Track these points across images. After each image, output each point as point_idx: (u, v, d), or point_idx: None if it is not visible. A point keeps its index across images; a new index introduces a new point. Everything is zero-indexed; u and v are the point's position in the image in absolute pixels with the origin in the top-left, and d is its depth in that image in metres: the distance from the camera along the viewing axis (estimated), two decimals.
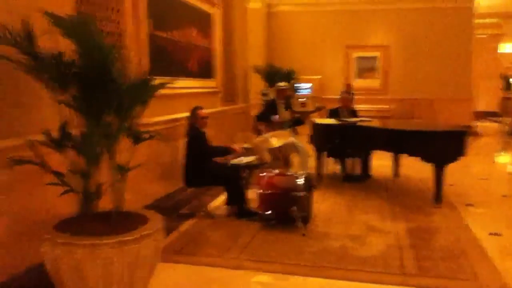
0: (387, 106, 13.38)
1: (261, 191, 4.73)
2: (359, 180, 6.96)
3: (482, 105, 17.18)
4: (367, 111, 13.13)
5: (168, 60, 5.35)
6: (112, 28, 4.20)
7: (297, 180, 4.71)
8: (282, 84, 6.82)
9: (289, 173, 4.97)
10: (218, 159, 5.23)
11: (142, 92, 2.91)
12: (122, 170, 2.84)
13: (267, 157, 6.87)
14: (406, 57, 13.35)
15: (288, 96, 6.93)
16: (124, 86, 2.86)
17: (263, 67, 8.53)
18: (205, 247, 4.26)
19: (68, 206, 2.93)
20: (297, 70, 12.48)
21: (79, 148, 2.74)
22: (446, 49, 13.09)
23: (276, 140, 5.24)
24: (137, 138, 3.05)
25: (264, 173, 4.91)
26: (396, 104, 13.31)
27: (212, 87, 6.93)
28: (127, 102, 2.82)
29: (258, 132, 6.56)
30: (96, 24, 2.92)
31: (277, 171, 5.06)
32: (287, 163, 6.87)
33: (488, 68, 18.70)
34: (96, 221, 2.81)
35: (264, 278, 3.65)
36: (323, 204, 5.73)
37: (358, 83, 13.64)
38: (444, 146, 5.38)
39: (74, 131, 2.89)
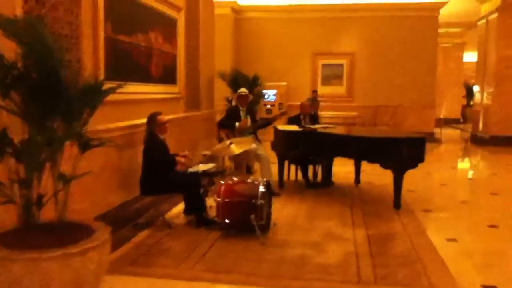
0: (353, 113, 13.54)
1: (220, 199, 4.65)
2: (321, 187, 6.96)
3: (445, 112, 17.59)
4: (333, 118, 13.31)
5: (129, 64, 5.21)
6: (68, 30, 4.05)
7: (256, 188, 4.64)
8: (243, 90, 6.76)
9: (248, 181, 4.90)
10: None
11: (92, 97, 2.79)
12: (64, 179, 2.70)
13: (228, 164, 6.83)
14: (372, 64, 13.56)
15: (251, 102, 6.87)
16: (72, 91, 2.73)
17: (228, 73, 8.45)
18: (160, 258, 4.14)
19: (8, 217, 2.78)
20: (264, 77, 12.50)
21: (19, 155, 2.60)
22: (411, 57, 13.37)
23: (236, 147, 5.16)
24: (85, 146, 2.92)
25: (223, 181, 4.83)
26: (361, 111, 13.48)
27: (175, 93, 6.81)
28: (75, 108, 2.69)
29: (220, 139, 6.48)
30: (44, 25, 2.76)
31: (236, 179, 4.99)
32: (249, 171, 6.82)
33: (452, 76, 19.22)
34: (37, 234, 2.66)
35: None
36: (284, 211, 5.69)
37: (324, 89, 13.77)
38: (402, 153, 5.43)
39: (17, 138, 2.75)
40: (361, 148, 5.74)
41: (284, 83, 13.69)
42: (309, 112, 7.38)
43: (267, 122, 6.83)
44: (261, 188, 4.65)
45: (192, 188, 4.98)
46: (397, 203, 5.63)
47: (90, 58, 4.38)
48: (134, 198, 5.32)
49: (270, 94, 13.61)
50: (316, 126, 7.03)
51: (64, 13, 3.89)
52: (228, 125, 6.49)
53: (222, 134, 6.50)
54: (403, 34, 13.32)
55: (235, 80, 8.47)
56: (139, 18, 5.45)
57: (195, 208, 5.05)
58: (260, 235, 4.52)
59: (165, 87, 6.39)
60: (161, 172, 4.94)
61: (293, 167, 7.36)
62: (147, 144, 4.97)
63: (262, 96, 8.90)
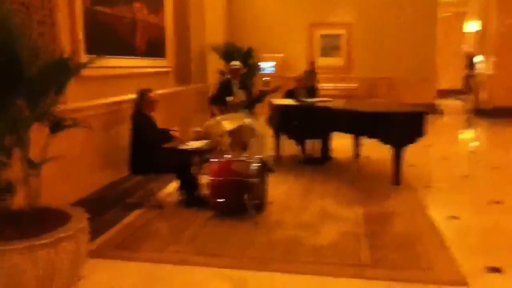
0: (352, 85, 13.22)
1: (211, 178, 4.44)
2: (319, 163, 6.75)
3: (446, 84, 17.25)
4: (332, 90, 13.00)
5: (111, 38, 4.92)
6: (39, 2, 3.75)
7: (250, 166, 4.43)
8: (235, 63, 6.48)
9: (241, 158, 4.68)
10: (167, 144, 4.88)
11: (57, 75, 2.53)
12: (32, 164, 2.48)
13: (224, 141, 6.59)
14: (370, 35, 13.15)
15: (245, 75, 6.59)
16: (34, 69, 2.47)
17: (221, 45, 8.14)
18: (148, 241, 3.96)
19: None
20: (259, 49, 12.14)
21: None
22: (410, 27, 12.95)
23: (228, 123, 4.93)
24: (55, 127, 2.68)
25: (215, 159, 4.61)
26: (361, 83, 13.17)
27: (163, 67, 6.52)
28: (38, 87, 2.44)
29: (212, 115, 6.24)
30: None
31: (229, 156, 4.77)
32: (244, 147, 6.59)
33: (452, 46, 18.78)
34: (7, 223, 2.45)
35: (207, 273, 3.37)
36: (279, 189, 5.49)
37: (322, 61, 13.39)
38: (401, 128, 5.20)
39: None
40: (358, 123, 5.51)
41: (281, 55, 13.32)
42: (305, 85, 7.10)
43: (259, 97, 6.57)
44: (255, 166, 4.44)
45: (182, 167, 4.77)
46: (396, 179, 5.43)
47: (67, 32, 4.10)
48: (123, 178, 5.12)
49: (267, 66, 13.28)
50: (312, 99, 6.78)
51: None
52: (220, 100, 6.23)
53: (214, 110, 6.26)
54: (402, 3, 12.87)
55: (229, 52, 8.15)
56: None
57: (186, 187, 4.85)
58: (253, 215, 4.33)
59: (152, 60, 6.10)
60: (149, 150, 4.71)
61: (290, 142, 7.13)
62: (135, 122, 4.73)
63: (257, 68, 8.59)
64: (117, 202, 4.82)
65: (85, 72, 4.31)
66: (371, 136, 5.52)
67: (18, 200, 2.62)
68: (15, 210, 2.54)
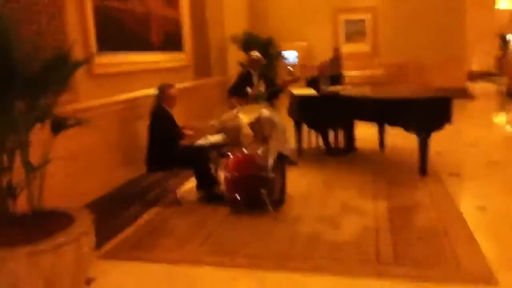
0: (378, 71, 12.87)
1: (228, 173, 4.33)
2: (342, 154, 6.56)
3: (477, 66, 16.61)
4: (357, 77, 12.70)
5: (124, 33, 4.86)
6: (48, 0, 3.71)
7: (267, 160, 4.30)
8: (254, 53, 6.31)
9: (258, 153, 4.55)
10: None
11: (58, 72, 2.45)
12: (30, 167, 2.41)
13: (245, 134, 6.47)
14: (396, 18, 12.74)
15: (265, 66, 6.43)
16: (34, 67, 2.40)
17: (240, 36, 8.00)
18: (164, 239, 3.89)
19: None
20: (282, 38, 11.95)
21: None
22: (437, 9, 12.47)
23: (245, 116, 4.79)
24: (58, 127, 2.61)
25: (232, 154, 4.51)
26: (387, 68, 12.80)
27: (181, 60, 6.44)
28: (38, 85, 2.37)
29: (231, 107, 6.11)
30: None
31: (245, 150, 4.65)
32: (265, 140, 6.45)
33: (483, 26, 18.02)
34: (8, 227, 2.41)
35: (224, 274, 3.28)
36: (301, 182, 5.34)
37: (347, 47, 13.05)
38: (426, 114, 4.95)
39: None
40: (380, 111, 5.29)
41: (305, 43, 13.08)
42: (329, 73, 6.88)
43: (278, 89, 6.40)
44: (271, 161, 4.30)
45: (200, 162, 4.69)
46: (422, 168, 5.20)
47: (77, 28, 4.05)
48: (142, 176, 5.07)
49: (290, 56, 13.09)
50: (334, 88, 6.57)
51: None
52: (239, 92, 6.09)
53: (234, 101, 6.11)
54: None
55: (248, 43, 8.00)
56: None
57: (204, 183, 4.77)
58: (271, 210, 4.21)
59: (169, 55, 6.02)
60: (166, 147, 4.64)
61: (313, 133, 6.97)
62: (154, 117, 4.65)
63: (279, 58, 8.39)
64: (135, 200, 4.78)
65: (98, 69, 4.30)
66: (393, 124, 5.30)
67: (23, 203, 2.58)
68: (18, 213, 2.49)
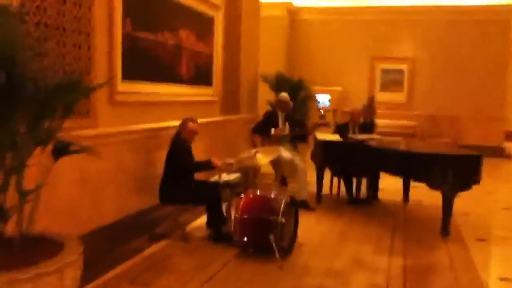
0: (412, 122, 12.62)
1: (237, 214, 4.21)
2: (363, 203, 6.33)
3: None
4: (391, 127, 12.46)
5: (152, 64, 4.91)
6: (76, 25, 3.79)
7: (278, 204, 4.15)
8: (283, 94, 6.28)
9: (271, 196, 4.41)
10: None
11: (65, 96, 2.43)
12: (22, 193, 2.37)
13: (264, 173, 6.36)
14: (434, 70, 12.57)
15: (291, 108, 6.37)
16: (42, 89, 2.40)
17: (272, 75, 8.01)
18: (164, 276, 3.76)
19: None
20: (316, 81, 11.99)
21: None
22: (478, 63, 12.24)
23: (262, 156, 4.69)
24: (59, 152, 2.58)
25: (244, 194, 4.39)
26: (421, 120, 12.53)
27: (209, 95, 6.47)
28: (41, 108, 2.35)
29: (253, 145, 6.05)
30: (12, 16, 2.44)
31: (258, 192, 4.53)
32: (284, 182, 6.33)
33: None
34: None
35: None
36: (315, 229, 5.15)
37: (382, 96, 12.93)
38: (451, 173, 4.70)
39: None
40: (404, 164, 5.08)
41: (339, 88, 13.03)
42: (361, 120, 6.75)
43: (302, 134, 6.31)
44: (284, 205, 4.15)
45: (211, 199, 4.58)
46: (445, 229, 4.92)
47: (104, 55, 4.11)
48: (154, 207, 4.98)
49: (323, 100, 13.07)
50: (360, 136, 6.41)
51: (71, 7, 3.63)
52: (263, 131, 6.03)
53: (256, 140, 6.06)
54: (470, 38, 12.19)
55: (279, 83, 8.00)
56: (167, 15, 5.12)
57: (214, 221, 4.66)
58: (278, 257, 4.03)
59: (198, 89, 6.05)
60: (180, 180, 4.58)
61: (334, 179, 6.79)
62: (171, 147, 4.63)
63: (309, 101, 8.33)
64: (143, 232, 4.69)
65: (120, 97, 4.33)
66: (418, 179, 5.08)
67: (15, 227, 2.53)
68: (5, 237, 2.44)
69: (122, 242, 4.33)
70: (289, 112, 6.25)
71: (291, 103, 6.24)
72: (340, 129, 6.77)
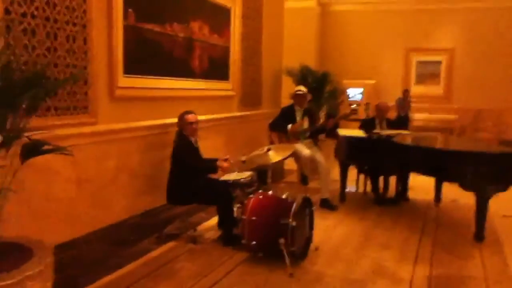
0: (450, 116, 11.94)
1: (245, 216, 3.90)
2: (391, 203, 5.89)
3: None
4: (427, 121, 11.85)
5: (159, 57, 4.65)
6: (72, 17, 3.57)
7: (289, 206, 3.81)
8: (300, 88, 5.91)
9: (283, 197, 4.08)
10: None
11: (29, 91, 2.18)
12: None
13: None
14: (474, 61, 11.84)
15: (310, 102, 6.01)
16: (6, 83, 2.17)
17: (296, 69, 7.64)
18: (165, 282, 3.50)
19: None
20: (349, 74, 11.57)
21: None
22: None
23: (275, 153, 4.36)
24: (29, 152, 2.34)
25: (254, 194, 4.08)
26: (461, 114, 11.82)
27: (226, 90, 6.18)
28: (3, 106, 2.12)
29: (271, 142, 5.72)
30: None
31: (270, 192, 4.21)
32: (305, 181, 5.97)
33: None
34: None
35: None
36: (335, 232, 4.78)
37: (418, 89, 12.33)
38: (484, 172, 4.22)
39: None
40: (433, 163, 4.62)
41: (372, 81, 12.51)
42: (385, 115, 6.29)
43: (321, 128, 5.92)
44: (296, 206, 3.81)
45: (221, 199, 4.30)
46: (479, 234, 4.45)
47: (104, 49, 3.88)
48: (165, 206, 4.75)
49: (355, 93, 12.61)
50: (387, 132, 5.97)
51: None
52: (280, 127, 5.70)
53: (273, 137, 5.73)
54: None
55: (303, 76, 7.62)
56: (175, 6, 4.83)
57: (224, 222, 4.37)
58: (289, 264, 3.70)
59: (213, 83, 5.77)
60: (187, 179, 4.32)
61: (359, 176, 6.38)
62: (174, 145, 4.39)
63: (334, 94, 7.89)
64: (150, 233, 4.47)
65: (122, 92, 4.10)
66: (448, 179, 4.62)
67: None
68: None
69: (126, 245, 4.11)
70: (307, 106, 5.88)
71: (309, 97, 5.86)
72: (365, 124, 6.35)
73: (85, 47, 3.66)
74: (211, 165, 4.41)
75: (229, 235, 4.28)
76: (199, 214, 5.00)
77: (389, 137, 5.52)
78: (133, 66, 4.23)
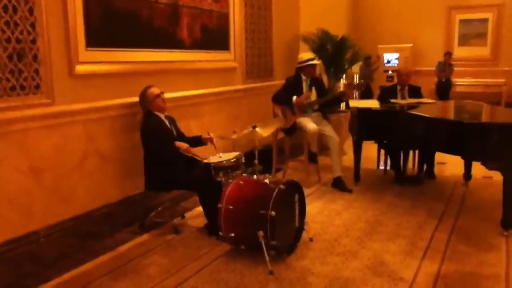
0: (498, 80, 10.80)
1: (221, 205, 3.41)
2: (415, 182, 5.21)
3: None
4: (472, 86, 10.84)
5: (134, 27, 4.11)
6: None
7: (269, 193, 3.28)
8: (305, 55, 5.27)
9: (265, 181, 3.55)
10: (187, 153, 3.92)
11: None
12: None
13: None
14: None
15: (316, 71, 5.35)
16: None
17: (313, 34, 6.92)
18: (124, 283, 3.10)
19: None
20: (384, 39, 10.74)
21: None
22: None
23: (262, 130, 3.80)
24: None
25: (231, 180, 3.57)
26: (510, 78, 10.65)
27: (226, 61, 5.60)
28: None
29: (274, 116, 5.16)
30: None
31: (255, 176, 3.69)
32: (313, 158, 5.38)
33: None
34: None
35: None
36: (339, 218, 4.22)
37: (461, 51, 11.25)
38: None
39: None
40: (454, 138, 3.88)
41: (409, 45, 11.51)
42: (407, 82, 5.55)
43: (334, 98, 5.26)
44: (277, 194, 3.28)
45: (201, 185, 3.82)
46: (506, 221, 3.74)
47: (58, 19, 3.42)
48: (142, 193, 4.30)
49: (391, 58, 11.69)
50: (405, 101, 5.25)
51: None
52: (283, 99, 5.12)
53: (277, 110, 5.17)
54: None
55: (322, 43, 6.90)
56: None
57: (208, 210, 3.91)
58: (269, 260, 3.20)
59: (209, 54, 5.20)
60: (163, 163, 3.87)
61: (379, 151, 5.72)
62: (141, 126, 3.94)
63: (356, 61, 7.10)
64: (128, 223, 4.08)
65: (84, 68, 3.66)
66: (471, 157, 3.91)
67: None
68: None
69: (96, 238, 3.75)
70: (314, 75, 5.25)
71: (316, 65, 5.21)
72: (385, 92, 5.65)
73: (32, 18, 3.22)
74: (176, 148, 3.89)
75: (214, 225, 3.78)
76: (194, 198, 4.51)
77: (406, 107, 4.82)
78: (99, 37, 3.74)
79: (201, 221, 4.11)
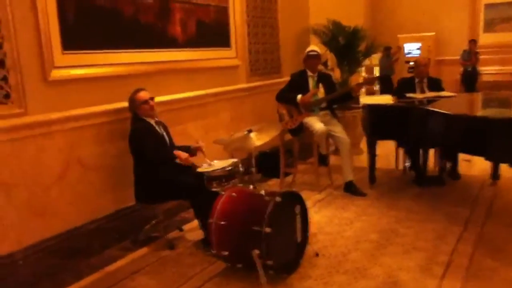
0: None
1: (211, 220, 3.06)
2: (436, 184, 4.76)
3: None
4: (499, 75, 10.20)
5: (119, 27, 3.78)
6: None
7: (263, 207, 2.91)
8: (311, 48, 4.87)
9: (261, 193, 3.17)
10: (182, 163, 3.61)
11: None
12: None
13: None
14: None
15: (325, 65, 4.95)
16: None
17: (323, 25, 6.48)
18: None
19: None
20: (406, 28, 10.26)
21: None
22: None
23: (257, 136, 3.42)
24: None
25: (224, 191, 3.21)
26: None
27: (228, 59, 5.24)
28: None
29: (280, 117, 4.78)
30: None
31: (251, 187, 3.32)
32: (323, 161, 4.98)
33: None
34: None
35: None
36: (351, 228, 3.82)
37: (487, 38, 10.59)
38: None
39: None
40: (475, 136, 3.42)
41: (431, 34, 10.93)
42: (426, 74, 5.06)
43: (343, 94, 4.83)
44: (272, 208, 2.90)
45: (193, 197, 3.49)
46: None
47: (29, 20, 3.11)
48: (133, 206, 3.98)
49: (413, 48, 11.16)
50: (423, 96, 4.78)
51: None
52: (288, 98, 4.73)
53: (281, 110, 4.79)
54: None
55: (333, 35, 6.45)
56: None
57: (202, 222, 3.56)
58: (264, 282, 2.84)
59: (207, 52, 4.84)
60: (153, 172, 3.54)
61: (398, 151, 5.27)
62: (131, 133, 3.62)
63: (371, 53, 6.60)
64: (119, 239, 3.77)
65: (61, 73, 3.36)
66: (496, 158, 3.43)
67: None
68: None
69: (81, 256, 3.45)
70: (321, 71, 4.84)
71: (322, 59, 4.80)
72: (402, 85, 5.18)
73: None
74: (172, 155, 3.57)
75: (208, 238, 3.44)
76: (188, 212, 4.17)
77: (424, 102, 4.36)
78: (76, 38, 3.42)
79: (200, 233, 3.77)
